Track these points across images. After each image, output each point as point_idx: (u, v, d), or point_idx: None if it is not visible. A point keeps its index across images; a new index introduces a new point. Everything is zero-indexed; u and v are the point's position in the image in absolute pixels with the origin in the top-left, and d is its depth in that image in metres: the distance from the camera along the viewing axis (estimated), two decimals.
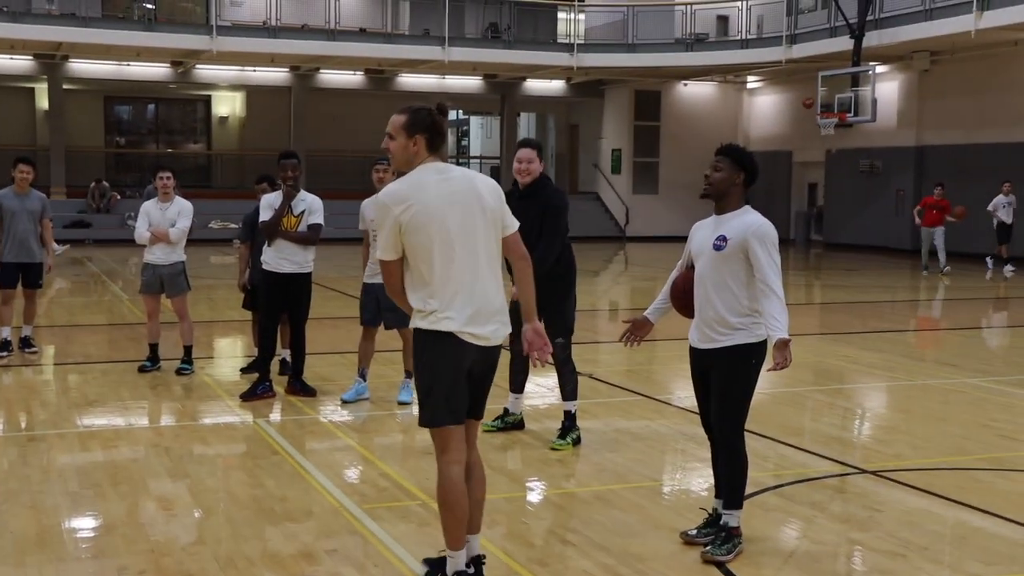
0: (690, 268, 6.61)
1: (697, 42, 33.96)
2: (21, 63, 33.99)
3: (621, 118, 37.08)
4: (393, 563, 6.23)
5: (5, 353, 12.59)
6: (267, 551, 6.38)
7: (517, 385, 9.31)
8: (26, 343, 12.89)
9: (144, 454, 8.67)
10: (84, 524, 7.04)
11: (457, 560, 5.48)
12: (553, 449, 8.65)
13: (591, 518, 7.15)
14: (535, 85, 37.91)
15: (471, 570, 5.59)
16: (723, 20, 35.15)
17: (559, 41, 35.73)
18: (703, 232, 6.45)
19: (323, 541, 6.58)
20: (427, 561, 5.85)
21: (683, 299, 6.60)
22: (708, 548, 6.19)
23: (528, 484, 8.05)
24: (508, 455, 8.75)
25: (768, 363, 6.15)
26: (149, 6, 34.39)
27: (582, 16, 35.52)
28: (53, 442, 9.21)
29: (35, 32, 30.60)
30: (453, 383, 5.41)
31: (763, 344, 6.22)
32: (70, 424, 9.87)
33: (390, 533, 6.67)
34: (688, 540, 6.40)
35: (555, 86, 37.94)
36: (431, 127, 5.47)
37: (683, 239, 6.81)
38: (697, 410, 6.68)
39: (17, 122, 37.07)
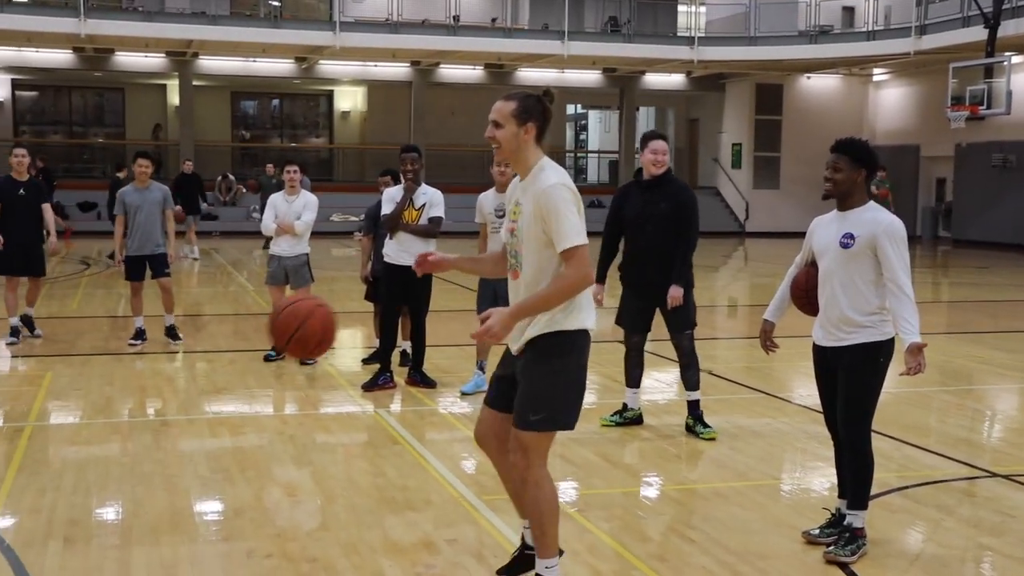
0: (811, 265, 6.54)
1: (821, 34, 33.41)
2: (154, 60, 34.74)
3: (742, 112, 36.72)
4: (511, 553, 6.29)
5: (139, 341, 12.87)
6: (388, 539, 6.47)
7: (634, 380, 9.22)
8: (171, 332, 13.11)
9: (269, 441, 8.87)
10: (213, 507, 7.22)
11: (557, 565, 5.32)
12: (708, 438, 8.67)
13: (711, 515, 7.11)
14: (655, 79, 37.71)
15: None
16: (848, 11, 34.60)
17: (679, 35, 35.52)
18: (825, 229, 6.34)
19: (443, 530, 6.65)
20: None
21: (805, 297, 6.53)
22: (831, 548, 6.10)
23: (646, 479, 8.02)
24: (626, 450, 8.74)
25: (899, 367, 6.01)
26: (275, 3, 35.07)
27: (703, 9, 35.24)
28: (184, 427, 9.49)
29: (168, 31, 31.37)
30: (583, 389, 5.31)
31: (891, 342, 6.13)
32: (199, 411, 10.14)
33: (508, 524, 6.72)
34: (810, 540, 6.31)
35: (675, 80, 37.70)
36: (543, 115, 5.25)
37: (804, 235, 6.72)
38: (820, 409, 6.58)
39: (149, 117, 37.99)
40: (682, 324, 8.79)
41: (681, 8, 36.93)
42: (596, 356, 6.04)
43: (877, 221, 6.06)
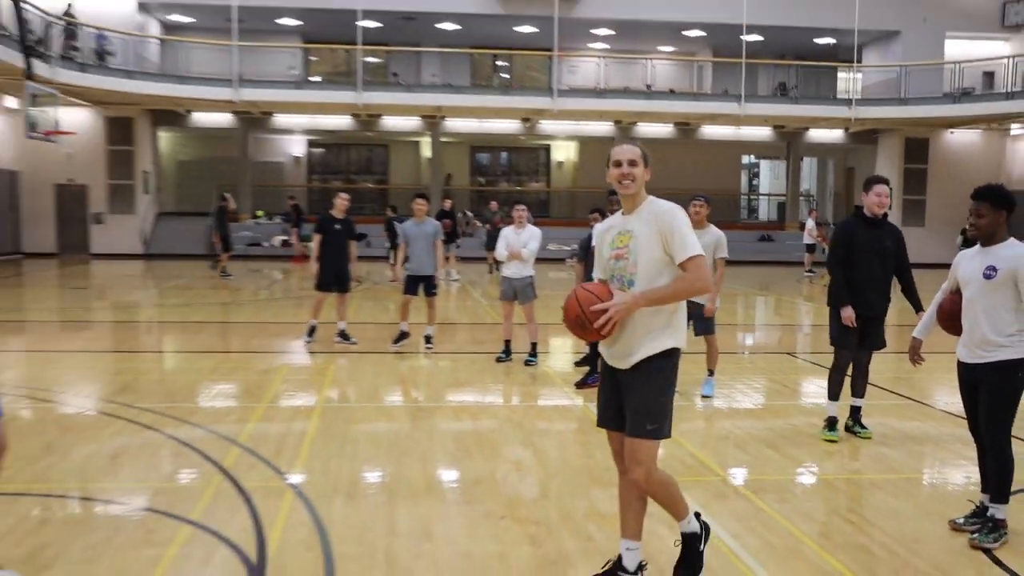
0: (955, 293, 6.42)
1: (964, 95, 32.04)
2: (412, 123, 35.49)
3: (892, 162, 35.55)
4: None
5: (403, 342, 13.21)
6: (596, 509, 6.53)
7: (834, 395, 8.58)
8: (428, 339, 13.30)
9: (500, 425, 8.98)
10: (457, 476, 7.40)
11: (693, 518, 5.19)
12: (865, 437, 8.46)
13: (868, 502, 6.99)
14: (817, 134, 36.86)
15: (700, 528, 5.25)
16: (988, 76, 33.24)
17: (839, 97, 34.62)
18: (970, 262, 6.19)
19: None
20: (689, 537, 5.24)
21: (949, 320, 6.43)
22: (976, 535, 5.93)
23: (811, 469, 7.80)
24: (794, 444, 8.54)
25: None
26: (505, 76, 35.55)
27: (859, 75, 34.30)
28: (434, 412, 9.68)
29: (422, 99, 32.13)
30: None
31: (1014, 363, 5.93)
32: (446, 400, 10.35)
33: (697, 501, 6.72)
34: (956, 527, 6.15)
35: (834, 135, 36.78)
36: (649, 160, 5.14)
37: (945, 266, 6.58)
38: (963, 415, 6.41)
39: (407, 167, 39.01)
40: (877, 345, 8.53)
41: (841, 75, 36.06)
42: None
43: (1017, 255, 5.90)
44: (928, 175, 35.65)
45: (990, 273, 5.97)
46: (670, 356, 4.87)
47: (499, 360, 12.22)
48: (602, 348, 5.07)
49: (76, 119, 30.12)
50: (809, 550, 5.82)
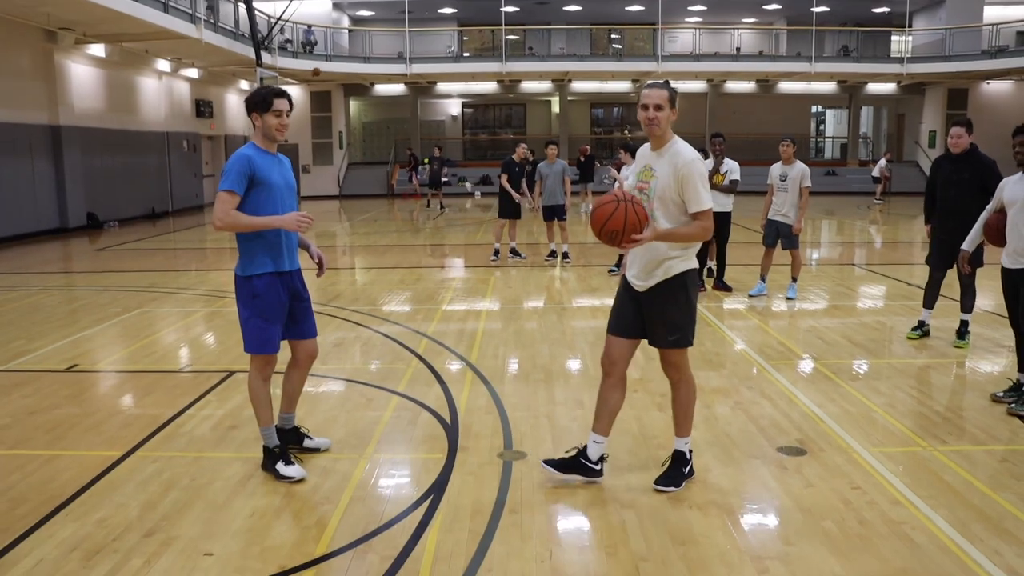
0: (998, 212, 6.18)
1: (999, 51, 30.13)
2: (544, 86, 35.17)
3: (936, 109, 33.73)
4: (787, 395, 6.29)
5: (551, 257, 13.41)
6: (709, 385, 6.51)
7: (930, 303, 8.01)
8: (565, 256, 13.30)
9: None
10: (597, 359, 7.53)
11: (688, 443, 4.65)
12: (956, 347, 7.65)
13: (925, 380, 6.88)
14: (873, 87, 35.09)
15: (597, 466, 4.64)
16: (1021, 35, 31.07)
17: (892, 56, 32.96)
18: (1014, 186, 5.97)
19: (738, 381, 6.69)
20: (679, 456, 4.65)
21: (995, 235, 6.19)
22: (1012, 404, 5.81)
23: (878, 356, 7.70)
24: (863, 336, 8.48)
25: None
26: (618, 46, 34.80)
27: (910, 37, 32.54)
28: (575, 312, 9.67)
29: (552, 67, 31.65)
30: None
31: None
32: (582, 301, 10.40)
33: (786, 378, 6.72)
34: (996, 399, 6.02)
35: (888, 87, 34.96)
36: (676, 101, 4.48)
37: None
38: (1000, 313, 6.27)
39: (540, 122, 38.74)
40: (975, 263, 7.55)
41: (894, 37, 34.24)
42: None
43: None
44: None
45: None
46: (683, 277, 4.41)
47: (611, 272, 12.16)
48: (627, 270, 4.58)
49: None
50: (879, 416, 5.77)
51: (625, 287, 4.56)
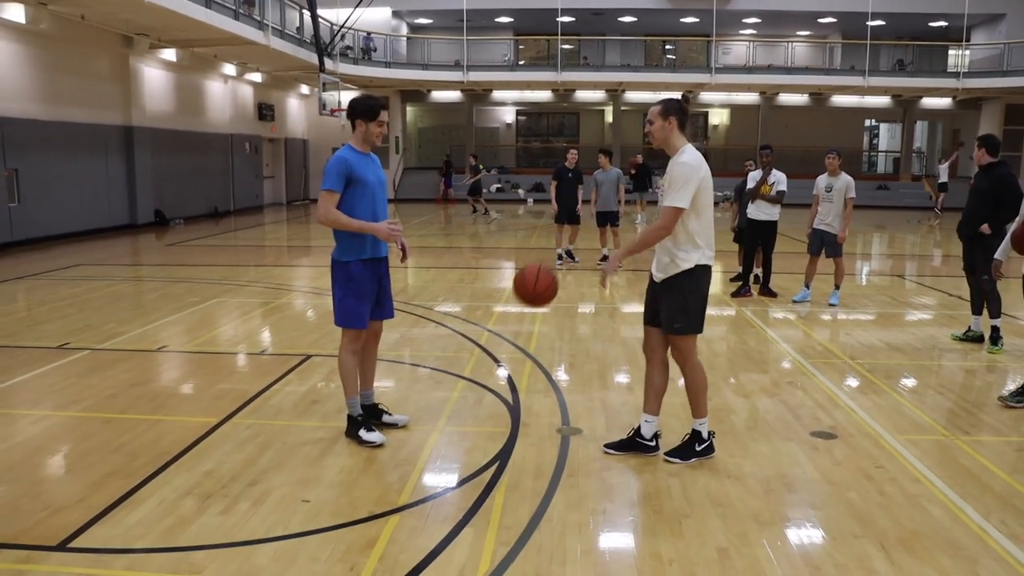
0: None
1: None
2: (597, 95, 35.61)
3: (994, 124, 33.50)
4: (824, 390, 6.74)
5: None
6: (747, 379, 7.03)
7: (976, 308, 8.44)
8: (605, 259, 13.83)
9: None
10: None
11: (705, 423, 5.11)
12: (990, 353, 7.96)
13: (950, 378, 7.25)
14: (928, 101, 35.02)
15: (652, 442, 5.17)
16: None
17: (949, 71, 32.89)
18: None
19: (779, 377, 7.14)
20: (671, 454, 5.11)
21: (1020, 244, 6.52)
22: (1008, 396, 6.32)
23: (910, 357, 8.10)
24: (900, 340, 8.87)
25: None
26: (671, 57, 35.17)
27: (967, 52, 32.46)
28: (626, 313, 10.21)
29: (606, 77, 32.23)
30: (706, 303, 4.96)
31: None
32: (633, 303, 10.89)
33: (823, 374, 7.17)
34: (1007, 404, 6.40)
35: (943, 102, 34.88)
36: (680, 110, 4.87)
37: None
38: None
39: (593, 131, 39.22)
40: (976, 271, 8.14)
41: (951, 52, 34.17)
42: None
43: None
44: None
45: None
46: (691, 272, 4.80)
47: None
48: (653, 265, 5.05)
49: (347, 99, 31.68)
50: (908, 409, 6.23)
51: (650, 282, 5.11)
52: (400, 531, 4.19)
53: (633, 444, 5.20)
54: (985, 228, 7.88)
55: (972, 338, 8.50)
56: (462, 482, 4.79)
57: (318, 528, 4.23)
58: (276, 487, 4.74)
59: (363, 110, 5.26)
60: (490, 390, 6.59)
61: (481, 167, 28.56)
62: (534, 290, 5.05)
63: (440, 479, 4.85)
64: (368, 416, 5.63)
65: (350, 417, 5.50)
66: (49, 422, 5.89)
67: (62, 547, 4.05)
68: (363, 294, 5.30)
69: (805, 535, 4.14)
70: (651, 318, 5.09)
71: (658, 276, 4.97)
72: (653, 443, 5.18)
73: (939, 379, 7.20)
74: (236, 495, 4.64)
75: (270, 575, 3.78)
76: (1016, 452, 5.35)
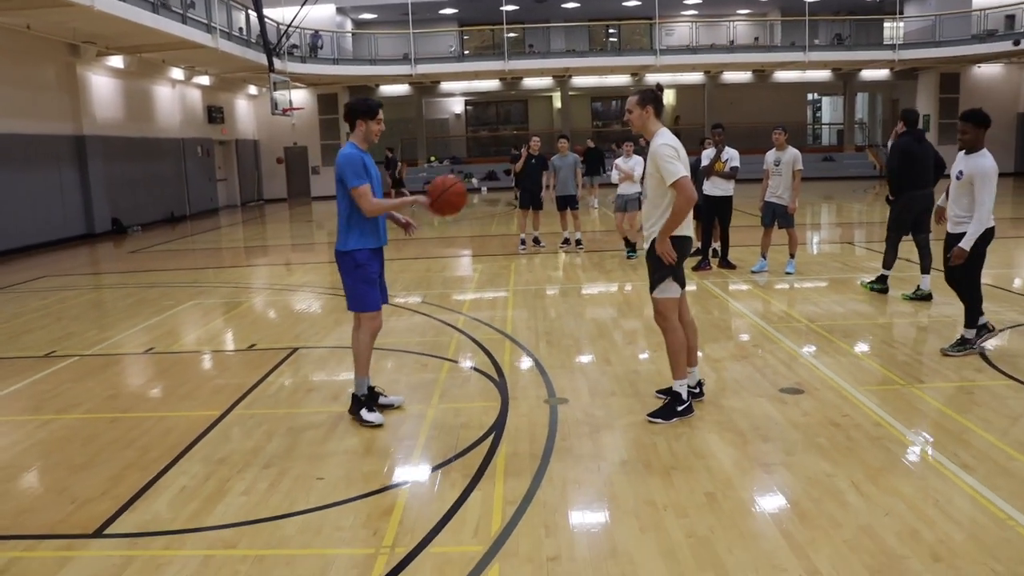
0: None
1: (988, 36, 30.99)
2: (545, 82, 36.04)
3: (930, 93, 34.63)
4: (787, 351, 7.18)
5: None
6: (715, 347, 7.50)
7: (925, 268, 9.18)
8: (579, 243, 14.18)
9: (638, 295, 9.90)
10: (618, 326, 8.39)
11: (684, 385, 5.54)
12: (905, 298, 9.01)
13: (897, 333, 7.73)
14: (867, 74, 35.97)
15: (696, 390, 5.76)
16: (1010, 18, 31.90)
17: (885, 43, 33.86)
18: (956, 164, 6.81)
19: (744, 341, 7.59)
20: (662, 392, 5.89)
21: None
22: (948, 347, 6.85)
23: (865, 317, 8.61)
24: (853, 302, 9.38)
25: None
26: (613, 40, 35.66)
27: (901, 24, 33.45)
28: (591, 291, 10.58)
29: (553, 63, 32.56)
30: (682, 268, 5.45)
31: (990, 231, 6.60)
32: (598, 281, 11.27)
33: (786, 337, 7.63)
34: (945, 353, 6.93)
35: (882, 73, 35.84)
36: (655, 99, 5.33)
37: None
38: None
39: (542, 117, 39.58)
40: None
41: (886, 24, 35.11)
42: None
43: (979, 165, 6.50)
44: (960, 103, 34.56)
45: (959, 176, 6.65)
46: (676, 240, 5.28)
47: (628, 257, 13.01)
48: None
49: (298, 98, 31.67)
50: (865, 363, 6.75)
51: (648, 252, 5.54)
52: (413, 499, 4.56)
53: (676, 398, 5.54)
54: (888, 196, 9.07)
55: (921, 297, 9.07)
56: (463, 452, 5.16)
57: (336, 501, 4.57)
58: (289, 468, 5.07)
59: (364, 110, 5.60)
60: (476, 369, 6.95)
61: (398, 160, 28.67)
62: (444, 187, 5.60)
63: (442, 450, 5.21)
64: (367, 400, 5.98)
65: (355, 396, 5.84)
66: (56, 425, 6.13)
67: (98, 534, 4.34)
68: (370, 278, 5.67)
69: (783, 477, 4.58)
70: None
71: (645, 247, 5.47)
72: (697, 390, 5.76)
73: (892, 335, 7.71)
74: (253, 477, 4.95)
75: (300, 544, 4.12)
76: (962, 394, 5.86)
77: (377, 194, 5.64)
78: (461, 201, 5.67)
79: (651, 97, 5.35)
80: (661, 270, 5.36)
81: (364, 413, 5.75)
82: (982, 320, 6.96)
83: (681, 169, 5.15)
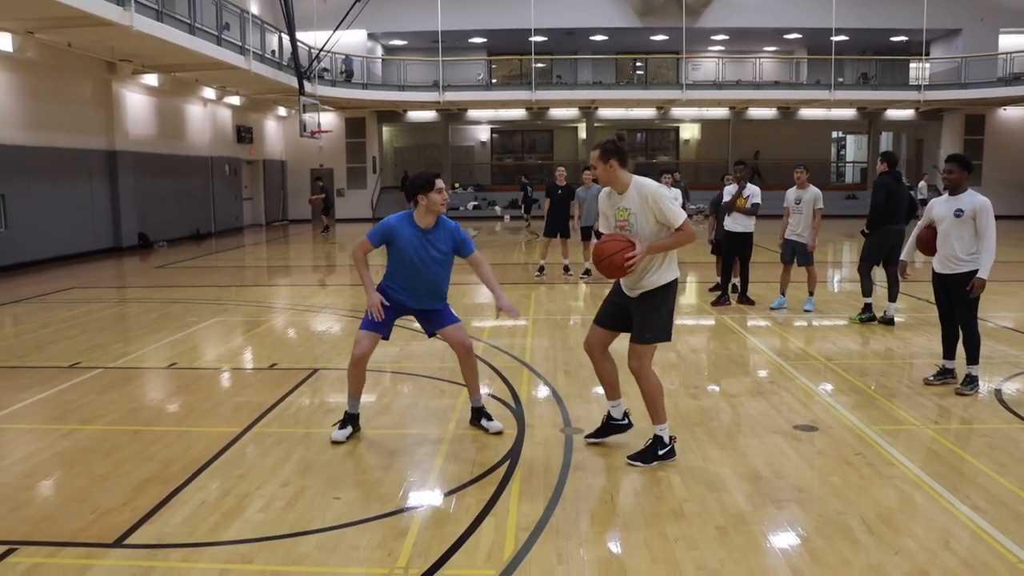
0: (928, 227, 7.12)
1: (1014, 79, 31.02)
2: (571, 113, 36.23)
3: (955, 134, 34.61)
4: (803, 388, 7.21)
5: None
6: (731, 383, 7.53)
7: (892, 296, 10.08)
8: (588, 272, 14.31)
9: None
10: None
11: (666, 428, 5.40)
12: (868, 320, 9.14)
13: (897, 363, 7.81)
14: (892, 113, 36.00)
15: (624, 420, 5.75)
16: None
17: (910, 84, 33.91)
18: (941, 206, 6.93)
19: (761, 377, 7.63)
20: (657, 439, 5.41)
21: (926, 245, 7.17)
22: (932, 377, 7.19)
23: (877, 353, 8.66)
24: (870, 340, 9.37)
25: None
26: (640, 73, 35.89)
27: (927, 65, 33.51)
28: None
29: (579, 95, 32.88)
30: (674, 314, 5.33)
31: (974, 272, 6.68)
32: None
33: (802, 374, 7.65)
34: (928, 383, 7.17)
35: (906, 114, 35.86)
36: (616, 151, 5.16)
37: (1004, 217, 7.27)
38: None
39: (567, 148, 39.83)
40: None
41: (912, 65, 35.17)
42: None
43: (976, 202, 6.65)
44: (984, 144, 34.59)
45: (959, 213, 6.75)
46: (664, 288, 5.18)
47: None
48: (622, 281, 5.35)
49: (326, 121, 32.06)
50: (881, 403, 6.74)
51: (616, 291, 5.45)
52: (428, 521, 4.61)
53: (609, 428, 5.74)
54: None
55: (885, 321, 9.99)
56: (478, 478, 5.21)
57: (352, 521, 4.64)
58: (307, 487, 5.13)
59: (421, 183, 5.77)
60: (494, 396, 7.01)
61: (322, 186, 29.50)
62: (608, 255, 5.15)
63: (458, 475, 5.26)
64: (475, 417, 6.18)
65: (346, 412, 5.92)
66: (79, 435, 6.24)
67: (118, 544, 4.42)
68: (382, 316, 5.98)
69: (794, 513, 4.61)
70: (603, 322, 5.49)
71: (633, 292, 5.27)
72: (625, 421, 5.75)
73: (909, 375, 7.70)
74: (271, 495, 5.02)
75: (315, 561, 4.18)
76: (976, 436, 5.86)
77: (410, 273, 5.86)
78: (611, 272, 5.21)
79: (612, 149, 5.17)
80: (659, 318, 5.22)
81: (336, 431, 6.02)
82: (950, 364, 7.18)
83: (683, 214, 5.10)
